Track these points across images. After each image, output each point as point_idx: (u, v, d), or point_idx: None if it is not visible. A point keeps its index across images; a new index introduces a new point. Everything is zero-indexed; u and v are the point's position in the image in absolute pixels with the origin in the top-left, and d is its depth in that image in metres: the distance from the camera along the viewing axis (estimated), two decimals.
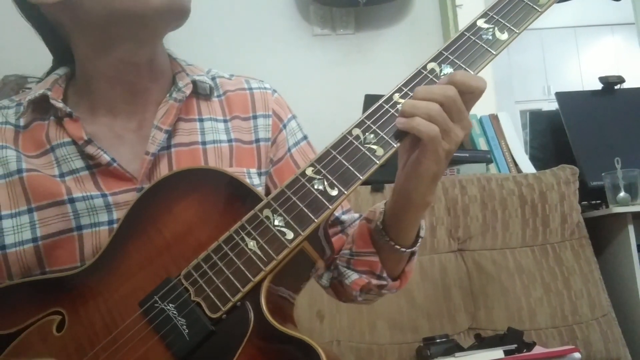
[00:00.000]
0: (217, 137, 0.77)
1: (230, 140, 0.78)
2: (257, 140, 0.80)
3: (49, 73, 0.80)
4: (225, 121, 0.80)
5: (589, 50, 5.56)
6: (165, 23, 0.71)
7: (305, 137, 0.86)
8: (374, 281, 0.74)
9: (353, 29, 2.20)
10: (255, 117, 0.81)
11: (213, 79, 0.83)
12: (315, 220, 0.59)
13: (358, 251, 0.75)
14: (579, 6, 4.86)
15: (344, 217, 0.83)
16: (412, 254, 0.75)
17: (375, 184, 1.62)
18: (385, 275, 0.74)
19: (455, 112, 0.61)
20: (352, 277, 0.75)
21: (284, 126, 0.84)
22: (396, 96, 0.64)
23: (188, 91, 0.76)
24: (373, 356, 1.49)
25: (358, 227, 0.77)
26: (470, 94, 0.61)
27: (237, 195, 0.64)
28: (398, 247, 0.71)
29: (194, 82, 0.78)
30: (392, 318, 1.54)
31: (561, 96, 2.08)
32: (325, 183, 0.61)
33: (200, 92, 0.80)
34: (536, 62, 5.44)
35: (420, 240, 0.74)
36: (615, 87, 2.11)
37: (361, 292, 0.76)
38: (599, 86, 2.11)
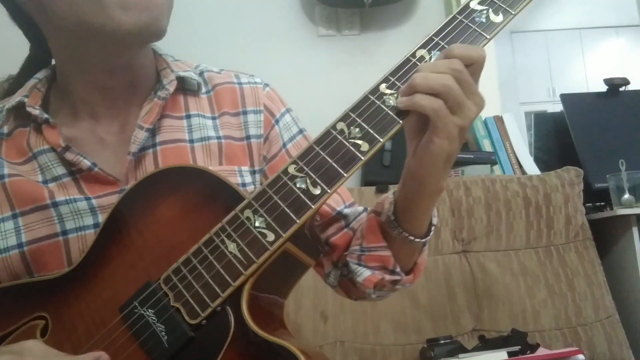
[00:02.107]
0: (206, 134, 0.75)
1: (219, 137, 0.76)
2: (248, 137, 0.78)
3: (24, 68, 0.79)
4: (213, 118, 0.77)
5: (593, 52, 5.54)
6: (139, 42, 0.69)
7: (301, 131, 0.83)
8: (388, 277, 0.72)
9: (358, 30, 2.20)
10: (245, 113, 0.78)
11: (201, 73, 0.80)
12: (297, 221, 0.56)
13: (369, 246, 0.72)
14: (584, 8, 4.86)
15: (347, 211, 0.80)
16: (424, 244, 0.72)
17: (380, 184, 1.62)
18: (398, 269, 0.72)
19: (465, 85, 0.57)
20: (365, 274, 0.72)
21: (277, 121, 0.80)
22: (383, 87, 0.60)
23: (172, 88, 0.73)
24: (376, 357, 1.49)
25: (367, 221, 0.74)
26: (471, 66, 0.58)
27: (219, 194, 0.62)
28: (412, 238, 0.68)
29: (180, 78, 0.75)
30: (396, 319, 1.54)
31: (566, 98, 2.07)
32: (308, 181, 0.58)
33: (187, 88, 0.77)
34: (541, 64, 5.43)
35: (433, 228, 0.71)
36: (620, 89, 2.10)
37: (375, 289, 0.73)
38: (603, 88, 2.11)
